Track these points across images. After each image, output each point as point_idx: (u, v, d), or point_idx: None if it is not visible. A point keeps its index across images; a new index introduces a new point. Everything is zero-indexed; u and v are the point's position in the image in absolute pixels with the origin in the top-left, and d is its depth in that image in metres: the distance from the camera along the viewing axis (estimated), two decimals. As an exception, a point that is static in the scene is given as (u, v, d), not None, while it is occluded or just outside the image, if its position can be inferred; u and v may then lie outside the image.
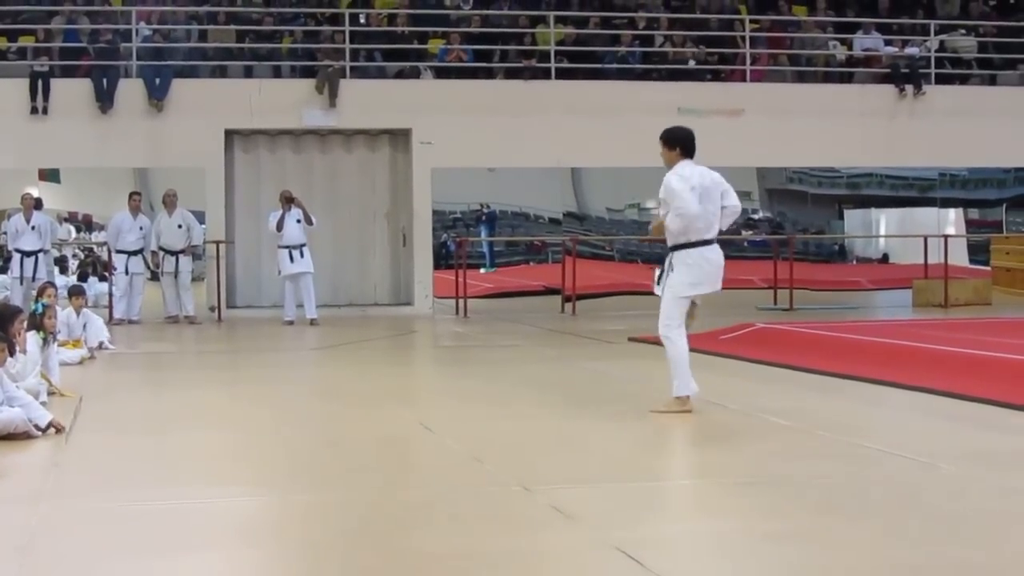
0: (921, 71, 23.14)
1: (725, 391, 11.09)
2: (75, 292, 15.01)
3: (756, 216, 23.69)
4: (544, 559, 5.60)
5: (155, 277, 20.48)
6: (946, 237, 22.95)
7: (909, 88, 22.85)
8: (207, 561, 5.65)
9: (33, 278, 18.89)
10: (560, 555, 5.65)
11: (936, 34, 24.10)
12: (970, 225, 24.78)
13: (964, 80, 24.09)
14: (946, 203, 24.26)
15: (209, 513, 6.59)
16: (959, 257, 23.58)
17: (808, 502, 6.67)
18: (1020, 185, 24.54)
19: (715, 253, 9.47)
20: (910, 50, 23.70)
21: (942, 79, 23.51)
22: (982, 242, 24.54)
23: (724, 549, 5.72)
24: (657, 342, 15.27)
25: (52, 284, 14.61)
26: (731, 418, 9.67)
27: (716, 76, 23.06)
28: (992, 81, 24.23)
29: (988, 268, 24.19)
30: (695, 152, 9.49)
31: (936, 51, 23.77)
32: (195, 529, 6.22)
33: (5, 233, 20.10)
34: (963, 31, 24.66)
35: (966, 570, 5.33)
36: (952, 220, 24.33)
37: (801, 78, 23.62)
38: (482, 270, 23.13)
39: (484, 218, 22.88)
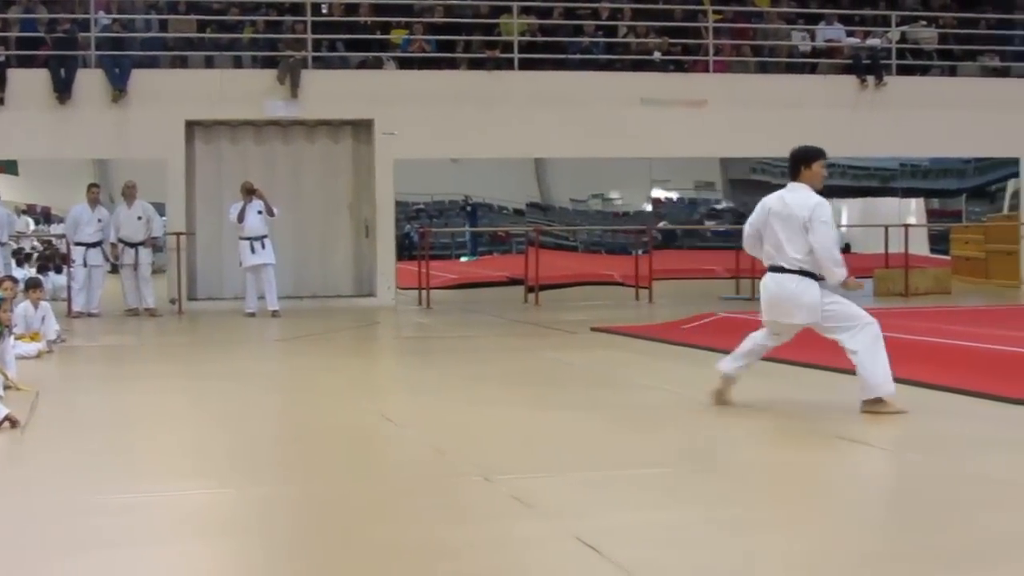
0: (883, 62, 23.23)
1: (687, 380, 11.11)
2: (33, 285, 14.85)
3: (719, 206, 23.71)
4: (503, 549, 5.58)
5: (115, 269, 20.32)
6: (907, 227, 23.05)
7: (871, 79, 22.92)
8: (164, 555, 5.59)
9: (-10, 270, 18.73)
10: (519, 544, 5.63)
11: (897, 25, 24.21)
12: (931, 215, 24.89)
13: (925, 71, 24.20)
14: (907, 193, 24.37)
15: (167, 507, 6.53)
16: (920, 246, 23.69)
17: (770, 489, 6.67)
18: (980, 175, 24.67)
19: (771, 281, 9.10)
20: (872, 41, 23.79)
21: (903, 70, 23.62)
22: (942, 232, 24.67)
23: (683, 537, 5.70)
24: (619, 331, 15.37)
25: (12, 278, 14.45)
26: (691, 406, 9.67)
27: (679, 67, 23.07)
28: (952, 72, 24.35)
29: (948, 257, 24.31)
30: (794, 174, 9.12)
31: (897, 42, 23.87)
32: (153, 523, 6.17)
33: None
34: (924, 22, 24.79)
35: (930, 557, 5.33)
36: (913, 210, 24.44)
37: (764, 69, 23.68)
38: (463, 258, 23.14)
39: (469, 209, 22.84)
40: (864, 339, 8.75)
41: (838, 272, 8.81)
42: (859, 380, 8.80)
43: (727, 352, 9.56)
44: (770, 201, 9.09)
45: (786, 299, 8.94)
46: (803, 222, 8.80)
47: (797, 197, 8.95)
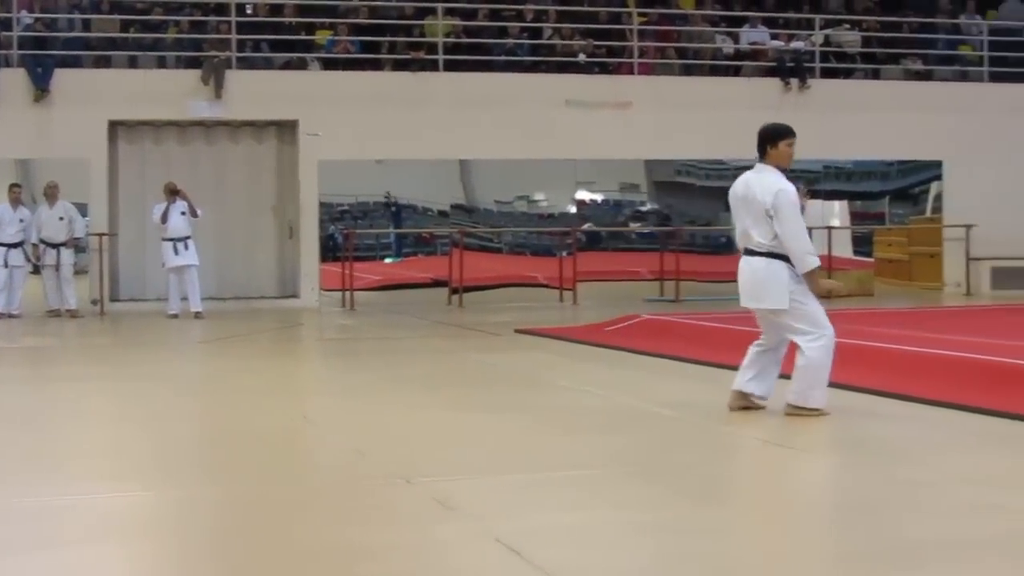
0: (806, 65, 23.43)
1: (610, 382, 11.15)
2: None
3: (644, 208, 23.78)
4: (424, 551, 5.56)
5: (36, 270, 20.08)
6: (830, 229, 23.23)
7: (794, 81, 23.11)
8: (81, 557, 5.52)
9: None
10: (439, 547, 5.61)
11: (821, 28, 24.42)
12: (854, 217, 25.07)
13: (848, 74, 24.43)
14: (831, 195, 24.51)
15: (86, 510, 6.44)
16: (843, 248, 23.89)
17: (689, 492, 6.68)
18: (903, 178, 24.87)
19: (744, 264, 8.96)
20: (795, 44, 23.99)
21: (827, 73, 23.84)
22: (866, 234, 24.89)
23: (604, 539, 5.70)
24: (542, 333, 15.37)
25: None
26: (615, 409, 9.69)
27: (604, 69, 23.16)
28: (875, 75, 24.61)
29: (871, 259, 24.54)
30: (760, 154, 8.90)
31: (821, 45, 24.08)
32: (72, 526, 6.08)
33: None
34: (847, 26, 25.04)
35: (855, 559, 5.35)
36: (837, 212, 24.59)
37: (689, 71, 23.80)
38: (387, 260, 23.08)
39: (394, 210, 22.71)
40: (820, 349, 8.66)
41: (809, 260, 8.62)
42: (795, 383, 8.74)
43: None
44: (737, 185, 8.96)
45: (755, 282, 8.82)
46: (765, 209, 8.65)
47: (762, 181, 8.76)
